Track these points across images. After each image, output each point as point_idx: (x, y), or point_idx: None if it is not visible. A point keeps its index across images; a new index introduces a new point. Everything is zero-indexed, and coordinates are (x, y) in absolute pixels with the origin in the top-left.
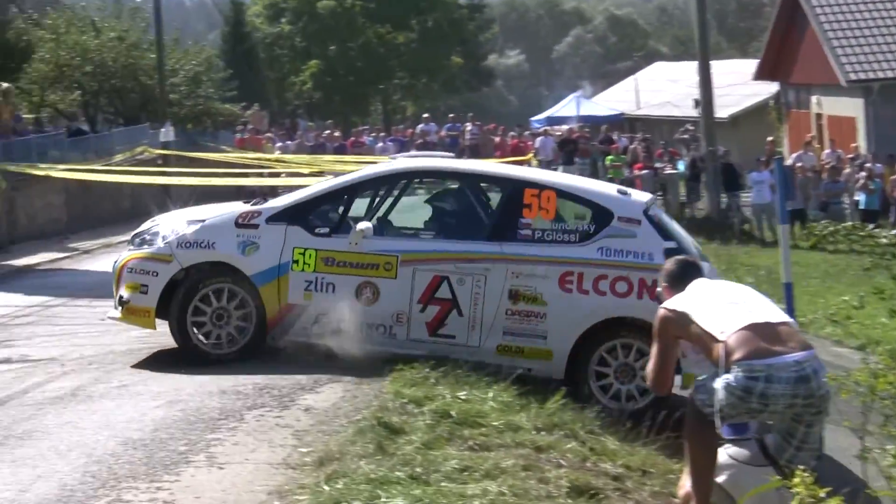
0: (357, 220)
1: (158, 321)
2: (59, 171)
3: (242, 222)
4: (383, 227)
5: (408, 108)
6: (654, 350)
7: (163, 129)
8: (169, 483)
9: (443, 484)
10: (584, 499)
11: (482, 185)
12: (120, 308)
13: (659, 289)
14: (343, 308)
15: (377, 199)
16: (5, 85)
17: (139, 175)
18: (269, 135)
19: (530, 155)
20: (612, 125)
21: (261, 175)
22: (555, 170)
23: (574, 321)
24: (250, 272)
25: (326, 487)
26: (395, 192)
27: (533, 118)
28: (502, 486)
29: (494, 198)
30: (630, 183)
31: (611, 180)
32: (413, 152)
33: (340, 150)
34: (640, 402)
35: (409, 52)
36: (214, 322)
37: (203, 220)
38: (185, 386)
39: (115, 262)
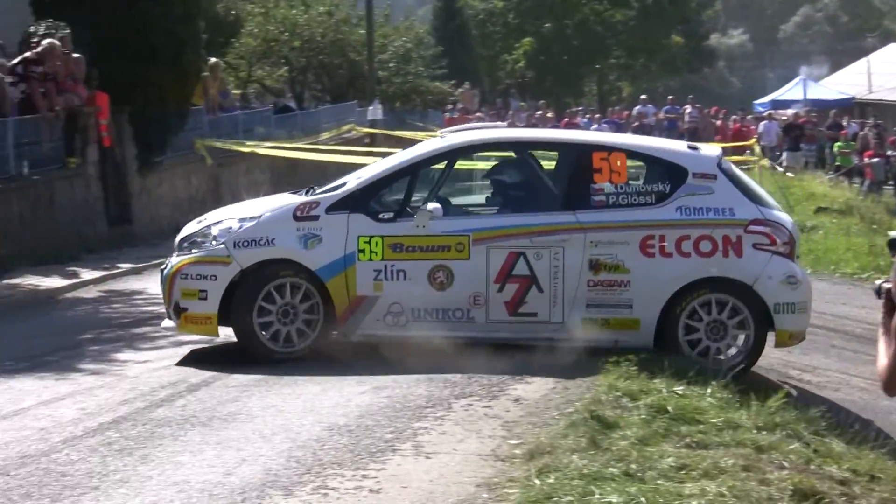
0: (417, 202)
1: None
2: (264, 149)
3: (301, 215)
4: (448, 207)
5: (624, 88)
6: (883, 345)
7: (370, 107)
8: (375, 471)
9: (658, 482)
10: (808, 503)
11: (546, 152)
12: (176, 317)
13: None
14: (417, 295)
15: (438, 178)
16: (213, 60)
17: (345, 154)
18: (478, 114)
19: (753, 140)
20: (841, 110)
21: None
22: (778, 156)
23: (659, 286)
24: (315, 266)
25: (537, 481)
26: (455, 170)
27: (756, 101)
28: (721, 487)
29: (560, 165)
30: (860, 172)
31: (838, 168)
32: (460, 126)
33: None
34: (736, 358)
35: (627, 30)
36: (281, 320)
37: (258, 216)
38: (391, 372)
39: (163, 269)
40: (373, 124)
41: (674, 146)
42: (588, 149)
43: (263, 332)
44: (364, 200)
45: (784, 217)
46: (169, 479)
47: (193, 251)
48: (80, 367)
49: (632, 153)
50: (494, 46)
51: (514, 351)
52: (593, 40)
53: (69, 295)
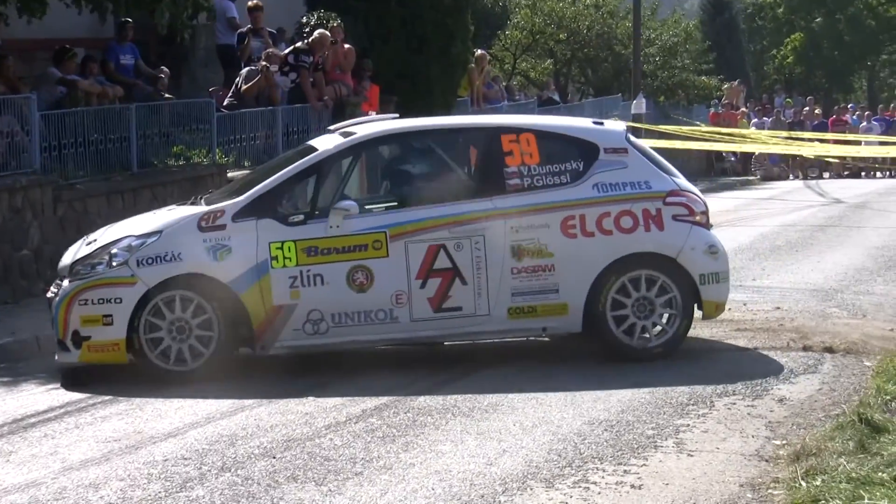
0: (324, 202)
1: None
2: None
3: (207, 225)
4: (359, 204)
5: None
6: None
7: (635, 101)
8: (636, 467)
9: None
10: None
11: (452, 140)
12: (75, 347)
13: None
14: (336, 299)
15: (344, 175)
16: (479, 52)
17: None
18: (743, 110)
19: None
20: None
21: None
22: None
23: (584, 267)
24: (227, 279)
25: (804, 483)
26: (360, 166)
27: None
28: None
29: (468, 151)
30: None
31: None
32: (353, 121)
33: (820, 128)
34: (660, 338)
35: None
36: (174, 336)
37: (160, 231)
38: (652, 366)
39: (53, 299)
40: (637, 118)
41: (581, 123)
42: (496, 132)
43: (151, 348)
44: (271, 204)
45: (694, 187)
46: (430, 468)
47: (90, 275)
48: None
49: (541, 133)
50: (762, 41)
51: (776, 351)
52: (866, 35)
53: None
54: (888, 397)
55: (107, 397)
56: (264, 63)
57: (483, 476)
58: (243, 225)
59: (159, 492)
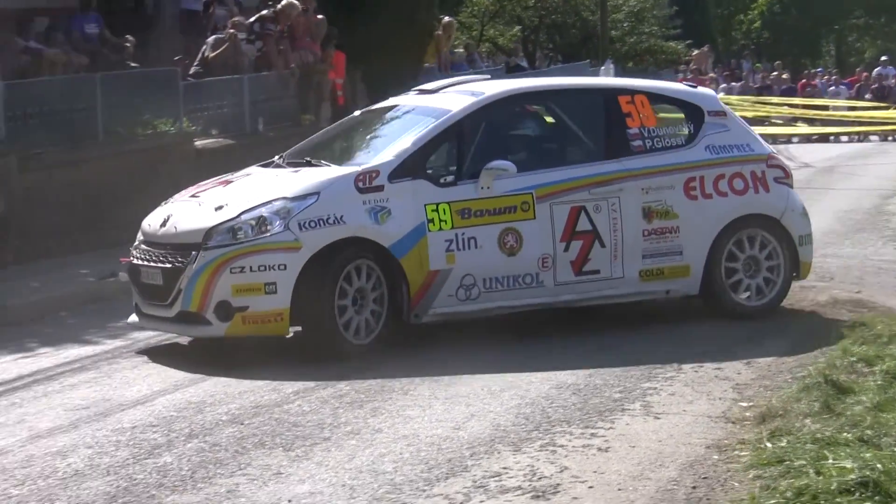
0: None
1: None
2: None
3: (364, 186)
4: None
5: (864, 49)
6: None
7: (602, 67)
8: (603, 430)
9: (895, 448)
10: None
11: (574, 101)
12: (221, 319)
13: None
14: (489, 263)
15: (477, 135)
16: (446, 19)
17: None
18: (712, 75)
19: None
20: None
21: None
22: None
23: (705, 229)
24: (389, 242)
25: (769, 444)
26: (494, 125)
27: None
28: None
29: (588, 113)
30: None
31: None
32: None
33: (789, 93)
34: (765, 297)
35: None
36: (357, 307)
37: (316, 192)
38: (621, 332)
39: (191, 269)
40: None
41: (682, 86)
42: (613, 93)
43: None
44: (421, 164)
45: None
46: (398, 433)
47: (242, 241)
48: None
49: (652, 95)
50: (729, 6)
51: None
52: (832, 0)
53: None
54: (854, 359)
55: (76, 365)
56: (231, 31)
57: (451, 440)
58: (400, 186)
59: (127, 458)
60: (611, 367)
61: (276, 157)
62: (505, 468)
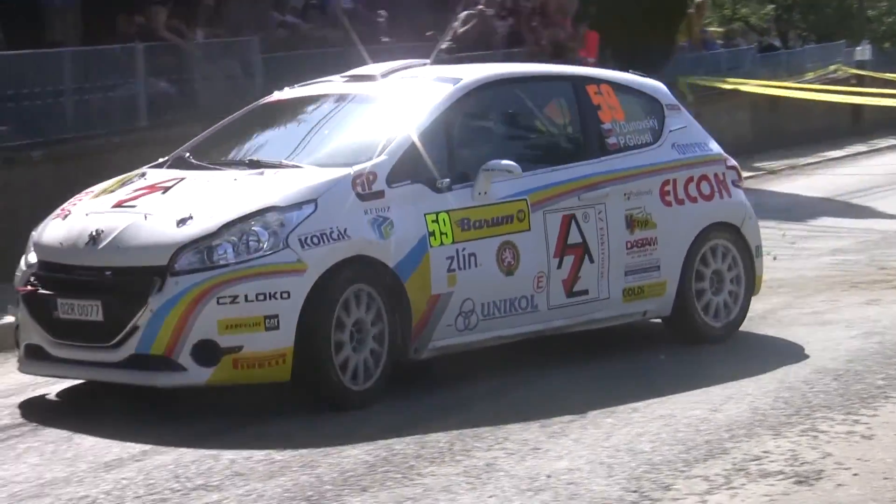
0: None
1: None
2: (748, 87)
3: (364, 191)
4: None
5: None
6: None
7: (859, 48)
8: (867, 417)
9: None
10: None
11: (545, 90)
12: (201, 364)
13: None
14: (488, 284)
15: (462, 131)
16: None
17: (831, 94)
18: None
19: None
20: None
21: None
22: None
23: (679, 239)
24: (393, 261)
25: None
26: (475, 117)
27: None
28: None
29: (563, 104)
30: None
31: None
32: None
33: None
34: (726, 317)
35: None
36: (354, 344)
37: (312, 200)
38: (881, 318)
39: (156, 300)
40: (861, 65)
41: (635, 76)
42: (581, 81)
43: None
44: (414, 165)
45: None
46: (655, 412)
47: (229, 264)
48: None
49: (615, 84)
50: None
51: None
52: None
53: None
54: None
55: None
56: (480, 7)
57: (708, 422)
58: (400, 192)
59: None
60: (872, 353)
61: (175, 155)
62: (765, 452)
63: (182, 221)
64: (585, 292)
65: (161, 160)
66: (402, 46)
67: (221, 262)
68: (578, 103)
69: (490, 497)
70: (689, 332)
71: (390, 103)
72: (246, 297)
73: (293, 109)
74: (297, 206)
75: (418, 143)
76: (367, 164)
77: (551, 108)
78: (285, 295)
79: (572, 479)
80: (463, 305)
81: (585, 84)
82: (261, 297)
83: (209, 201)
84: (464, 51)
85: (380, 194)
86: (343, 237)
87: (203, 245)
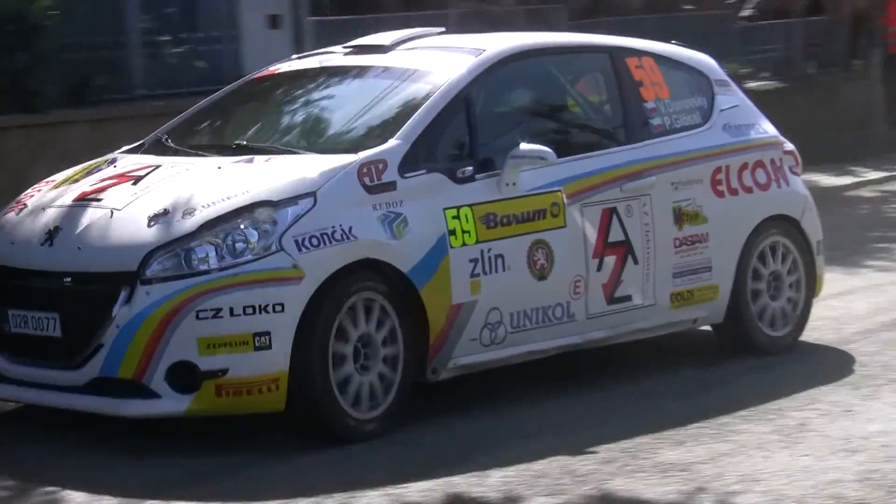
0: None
1: None
2: None
3: (372, 182)
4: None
5: None
6: None
7: None
8: None
9: None
10: None
11: (581, 63)
12: (179, 390)
13: None
14: (517, 291)
15: (486, 110)
16: None
17: None
18: None
19: None
20: None
21: None
22: None
23: (733, 236)
24: (407, 266)
25: None
26: (500, 94)
27: None
28: None
29: (600, 78)
30: None
31: None
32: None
33: None
34: (793, 321)
35: None
36: (360, 364)
37: (311, 193)
38: None
39: (124, 312)
40: None
41: (680, 48)
42: (621, 53)
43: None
44: (432, 150)
45: None
46: None
47: (206, 270)
48: (866, 263)
49: (658, 57)
50: None
51: None
52: None
53: (850, 193)
54: None
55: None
56: None
57: None
58: (415, 182)
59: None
60: None
61: (152, 138)
62: None
63: (155, 218)
64: (628, 298)
65: (136, 144)
66: (705, 14)
67: (202, 269)
68: (618, 79)
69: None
70: (743, 341)
71: (402, 78)
72: (231, 310)
73: (289, 85)
74: (293, 200)
75: (436, 125)
76: (376, 151)
77: (587, 84)
78: (279, 307)
79: (887, 441)
80: (489, 316)
81: (625, 56)
82: (249, 311)
83: (188, 194)
84: (764, 19)
85: (391, 186)
86: (348, 237)
87: (180, 247)
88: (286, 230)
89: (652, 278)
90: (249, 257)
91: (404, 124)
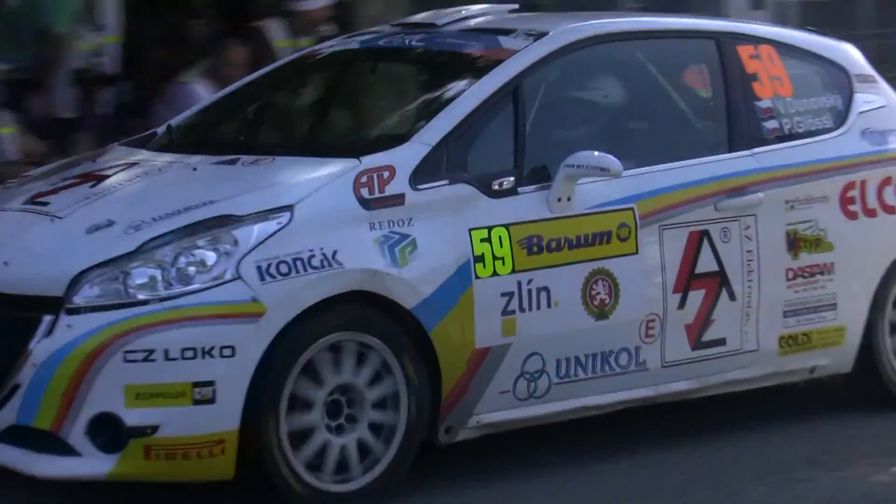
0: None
1: None
2: None
3: (372, 195)
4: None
5: None
6: None
7: None
8: None
9: None
10: None
11: (674, 51)
12: (102, 449)
13: None
14: (566, 332)
15: (543, 108)
16: None
17: None
18: None
19: None
20: None
21: None
22: None
23: (866, 268)
24: (413, 301)
25: None
26: (565, 89)
27: None
28: None
29: (700, 71)
30: None
31: None
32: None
33: None
34: None
35: None
36: (336, 425)
37: (287, 207)
38: None
39: (41, 348)
40: None
41: (815, 36)
42: (731, 39)
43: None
44: (464, 155)
45: None
46: None
47: (148, 298)
48: None
49: (782, 46)
50: None
51: None
52: None
53: None
54: None
55: None
56: None
57: None
58: (432, 195)
59: None
60: None
61: (163, 128)
62: None
63: (95, 230)
64: (721, 342)
65: (147, 132)
66: None
67: (139, 297)
68: (725, 71)
69: None
70: (879, 395)
71: (439, 65)
72: (167, 352)
73: (317, 71)
74: (262, 215)
75: (470, 124)
76: (384, 155)
77: (684, 77)
78: (227, 351)
79: None
80: (527, 363)
81: (737, 44)
82: (188, 354)
83: (142, 201)
84: None
85: (397, 200)
86: (329, 264)
87: (117, 269)
88: (247, 253)
89: (754, 318)
90: (197, 286)
91: (430, 124)
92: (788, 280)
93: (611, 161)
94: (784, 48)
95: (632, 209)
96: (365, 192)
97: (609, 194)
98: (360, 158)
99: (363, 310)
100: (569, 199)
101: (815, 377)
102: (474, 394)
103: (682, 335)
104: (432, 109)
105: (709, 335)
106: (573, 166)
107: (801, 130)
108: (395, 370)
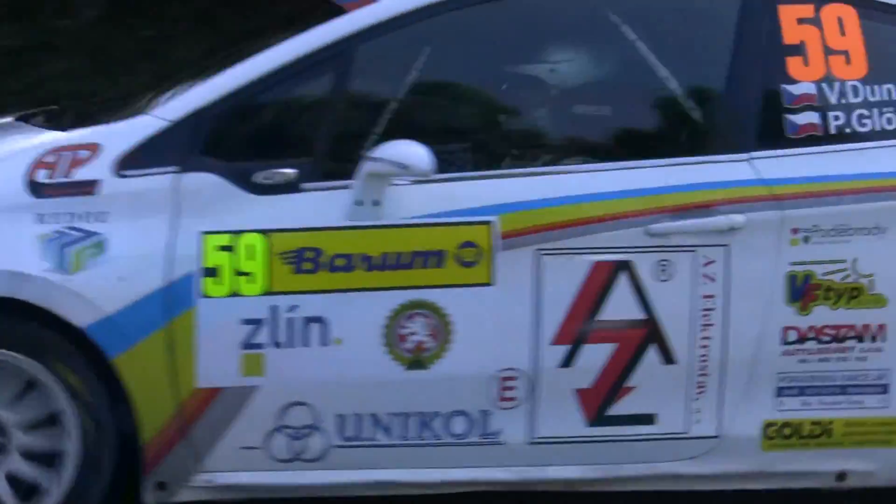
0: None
1: None
2: None
3: (52, 179)
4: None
5: None
6: None
7: None
8: None
9: None
10: None
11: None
12: None
13: None
14: (356, 377)
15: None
16: None
17: None
18: None
19: None
20: None
21: None
22: None
23: None
24: (90, 317)
25: None
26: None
27: None
28: None
29: (699, 42)
30: None
31: None
32: None
33: None
34: None
35: None
36: None
37: None
38: None
39: None
40: None
41: None
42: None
43: None
44: (217, 135)
45: None
46: None
47: None
48: None
49: (868, 4)
50: None
51: None
52: None
53: None
54: None
55: None
56: None
57: None
58: (143, 185)
59: None
60: None
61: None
62: None
63: None
64: (646, 419)
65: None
66: None
67: None
68: (739, 38)
69: None
70: None
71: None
72: None
73: None
74: None
75: (248, 95)
76: (91, 130)
77: (662, 45)
78: None
79: None
80: (287, 415)
81: (777, 3)
82: None
83: None
84: None
85: (86, 188)
86: None
87: None
88: None
89: (713, 392)
90: None
91: (189, 90)
92: (788, 343)
93: (416, 156)
94: (880, 7)
95: (488, 224)
96: (42, 174)
97: (454, 202)
98: (68, 132)
99: (33, 329)
100: (377, 202)
101: (848, 487)
102: (201, 445)
103: (572, 403)
104: (210, 73)
105: (622, 408)
106: (377, 159)
107: (863, 129)
108: (50, 382)
